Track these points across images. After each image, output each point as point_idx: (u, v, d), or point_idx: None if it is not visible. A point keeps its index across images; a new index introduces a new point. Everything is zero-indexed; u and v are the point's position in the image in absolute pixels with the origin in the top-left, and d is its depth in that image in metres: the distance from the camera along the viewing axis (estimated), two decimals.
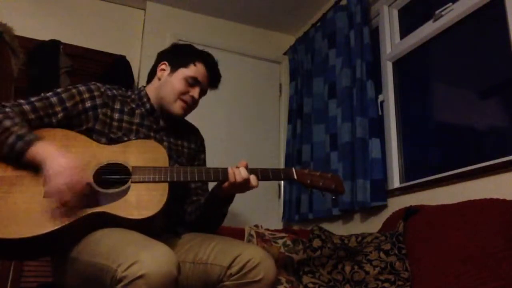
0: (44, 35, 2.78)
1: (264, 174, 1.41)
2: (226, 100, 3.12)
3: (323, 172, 1.52)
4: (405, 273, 1.61)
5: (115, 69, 2.88)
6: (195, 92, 1.51)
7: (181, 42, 2.28)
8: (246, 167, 1.37)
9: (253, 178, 1.36)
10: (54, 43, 2.75)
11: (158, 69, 1.55)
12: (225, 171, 1.36)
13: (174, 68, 1.52)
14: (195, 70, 1.52)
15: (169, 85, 1.50)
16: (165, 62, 1.55)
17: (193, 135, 1.66)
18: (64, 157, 1.17)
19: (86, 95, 1.39)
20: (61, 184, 1.13)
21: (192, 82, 1.51)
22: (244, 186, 1.36)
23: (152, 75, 1.58)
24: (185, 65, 1.52)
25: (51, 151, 1.19)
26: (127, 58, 2.96)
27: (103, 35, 3.03)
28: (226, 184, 1.36)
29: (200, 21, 3.26)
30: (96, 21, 3.05)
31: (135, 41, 3.09)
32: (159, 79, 1.53)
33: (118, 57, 2.94)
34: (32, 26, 2.81)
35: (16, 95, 2.54)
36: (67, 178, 1.13)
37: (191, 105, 1.53)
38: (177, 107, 1.50)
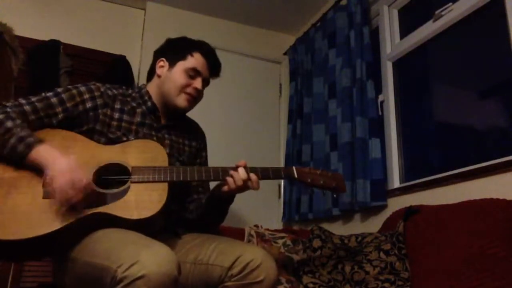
0: (44, 35, 2.78)
1: (264, 173, 1.40)
2: (226, 100, 3.12)
3: (324, 170, 1.51)
4: (405, 273, 1.61)
5: (115, 69, 2.87)
6: (197, 83, 1.50)
7: None
8: (245, 167, 1.37)
9: (254, 179, 1.36)
10: (54, 43, 2.75)
11: (157, 66, 1.54)
12: (226, 170, 1.36)
13: (172, 62, 1.52)
14: (193, 61, 1.50)
15: (170, 80, 1.49)
16: (163, 59, 1.54)
17: (195, 133, 1.65)
18: (65, 158, 1.18)
19: (87, 96, 1.39)
20: (63, 184, 1.13)
21: (192, 74, 1.49)
22: (244, 186, 1.35)
23: (151, 73, 1.58)
24: (182, 57, 1.51)
25: (52, 153, 1.20)
26: (127, 58, 2.95)
27: (103, 35, 3.03)
28: (225, 186, 1.36)
29: (200, 21, 3.26)
30: (96, 21, 3.05)
31: (135, 41, 3.09)
32: (159, 76, 1.52)
33: (118, 57, 2.94)
34: (32, 26, 2.80)
35: (16, 95, 2.54)
36: (69, 178, 1.14)
37: (196, 97, 1.52)
38: (181, 100, 1.49)
